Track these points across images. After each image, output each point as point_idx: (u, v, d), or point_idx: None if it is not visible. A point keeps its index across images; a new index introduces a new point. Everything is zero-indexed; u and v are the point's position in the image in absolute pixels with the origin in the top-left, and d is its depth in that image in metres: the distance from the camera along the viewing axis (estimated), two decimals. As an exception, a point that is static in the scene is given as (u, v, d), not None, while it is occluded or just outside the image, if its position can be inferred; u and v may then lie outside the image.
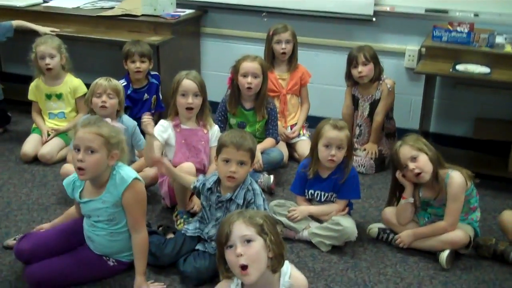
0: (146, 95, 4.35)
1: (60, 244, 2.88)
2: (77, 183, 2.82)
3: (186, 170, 3.26)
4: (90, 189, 2.77)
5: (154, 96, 4.40)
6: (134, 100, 4.27)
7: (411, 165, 3.05)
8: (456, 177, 3.05)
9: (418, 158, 3.05)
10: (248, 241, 2.19)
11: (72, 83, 4.32)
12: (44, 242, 2.88)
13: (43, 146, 4.18)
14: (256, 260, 2.19)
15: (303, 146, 4.15)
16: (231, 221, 2.22)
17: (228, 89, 4.00)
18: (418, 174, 3.05)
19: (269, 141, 3.95)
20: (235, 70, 3.86)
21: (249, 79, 3.81)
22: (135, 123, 3.70)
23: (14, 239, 3.08)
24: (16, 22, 4.70)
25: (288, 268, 2.34)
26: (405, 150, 3.07)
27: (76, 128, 2.68)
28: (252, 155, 2.93)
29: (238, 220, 2.22)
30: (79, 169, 2.64)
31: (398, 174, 3.16)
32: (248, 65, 3.81)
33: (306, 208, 3.32)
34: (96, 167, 2.65)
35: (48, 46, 4.20)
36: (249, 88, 3.82)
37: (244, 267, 2.17)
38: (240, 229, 2.20)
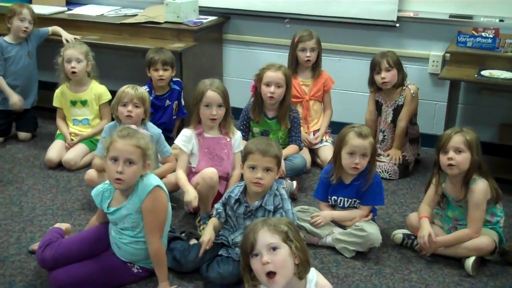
0: (168, 101, 4.37)
1: (83, 251, 2.89)
2: (106, 194, 2.83)
3: (209, 175, 3.26)
4: (118, 198, 2.79)
5: (176, 102, 4.41)
6: (156, 106, 4.29)
7: (451, 154, 3.00)
8: (480, 184, 3.02)
9: (461, 153, 3.00)
10: (274, 248, 2.18)
11: (97, 89, 4.36)
12: (67, 249, 2.89)
13: (67, 152, 4.21)
14: (283, 267, 2.18)
15: (326, 152, 4.14)
16: (256, 230, 2.21)
17: (251, 97, 4.00)
18: (451, 165, 3.01)
19: (292, 148, 3.94)
20: (259, 78, 3.86)
21: (272, 88, 3.80)
22: (159, 130, 3.71)
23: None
24: (52, 29, 4.80)
25: (314, 275, 2.32)
26: (457, 138, 3.00)
27: (112, 138, 2.70)
28: (278, 162, 2.93)
29: (263, 228, 2.21)
30: (118, 179, 2.67)
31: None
32: (272, 75, 3.80)
33: (329, 213, 3.31)
34: (133, 177, 2.70)
35: (76, 50, 4.26)
36: (271, 97, 3.82)
37: (271, 275, 2.16)
38: (265, 237, 2.19)
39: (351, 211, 3.28)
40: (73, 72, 4.25)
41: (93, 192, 2.90)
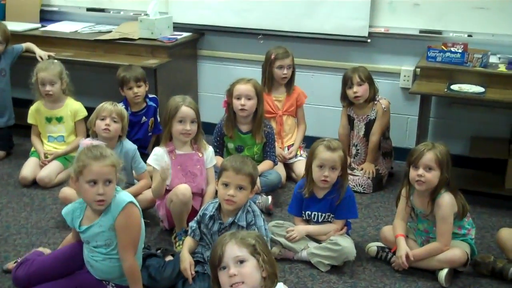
0: (144, 118, 4.38)
1: (57, 269, 2.87)
2: (76, 213, 2.82)
3: (182, 191, 3.27)
4: (90, 215, 2.78)
5: (152, 118, 4.42)
6: (132, 122, 4.29)
7: (421, 171, 3.04)
8: (445, 198, 3.06)
9: (431, 171, 3.04)
10: (241, 261, 2.21)
11: (73, 106, 4.34)
12: (40, 268, 2.88)
13: (42, 169, 4.18)
14: (249, 279, 2.20)
15: (301, 166, 4.14)
16: (223, 243, 2.24)
17: (225, 113, 4.04)
18: (420, 182, 3.05)
19: (267, 164, 3.97)
20: (230, 93, 3.91)
21: (243, 101, 3.85)
22: (135, 146, 3.72)
23: (15, 262, 3.08)
24: (26, 45, 4.78)
25: None
26: (429, 156, 3.03)
27: (84, 161, 2.66)
28: (252, 181, 2.94)
29: (231, 241, 2.24)
30: (100, 201, 2.67)
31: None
32: (242, 88, 3.86)
33: (304, 228, 3.33)
34: (112, 195, 2.71)
35: (50, 72, 4.23)
36: (242, 109, 3.86)
37: (236, 286, 2.18)
38: (233, 250, 2.22)
39: (326, 226, 3.31)
40: (48, 95, 4.25)
41: (64, 211, 2.89)
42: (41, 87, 4.24)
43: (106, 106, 3.62)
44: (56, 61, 4.44)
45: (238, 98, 3.87)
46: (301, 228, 3.32)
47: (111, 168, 2.68)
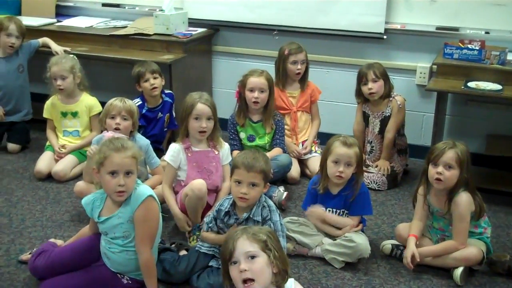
0: (160, 113, 4.39)
1: (75, 261, 2.90)
2: (96, 203, 2.84)
3: (197, 186, 3.28)
4: (110, 206, 2.79)
5: (168, 114, 4.43)
6: (148, 118, 4.31)
7: (440, 169, 3.02)
8: (463, 197, 3.04)
9: (451, 170, 3.01)
10: (252, 257, 2.21)
11: (88, 101, 4.36)
12: (58, 259, 2.91)
13: (57, 163, 4.20)
14: (260, 275, 2.21)
15: (315, 162, 4.15)
16: (235, 238, 2.24)
17: (236, 103, 4.06)
18: (439, 180, 3.03)
19: (276, 151, 4.02)
20: (242, 84, 3.96)
21: (256, 93, 3.89)
22: (147, 141, 3.73)
23: (30, 253, 3.11)
24: (43, 40, 4.81)
25: (292, 284, 2.35)
26: (450, 154, 3.00)
27: (106, 153, 2.69)
28: (265, 177, 2.93)
29: (242, 236, 2.24)
30: (120, 192, 2.69)
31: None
32: (255, 80, 3.90)
33: (322, 213, 3.29)
34: (133, 186, 2.73)
35: (60, 67, 4.24)
36: (255, 102, 3.90)
37: (247, 281, 2.18)
38: (244, 245, 2.22)
39: (343, 218, 3.29)
40: (60, 89, 4.27)
41: (84, 201, 2.90)
42: (53, 81, 4.26)
43: (116, 104, 3.63)
44: (70, 55, 4.45)
45: (251, 91, 3.91)
46: (320, 212, 3.28)
47: (132, 159, 2.70)
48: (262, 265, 2.21)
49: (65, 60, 4.30)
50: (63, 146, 4.28)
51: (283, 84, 4.31)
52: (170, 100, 4.43)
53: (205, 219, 3.14)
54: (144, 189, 2.77)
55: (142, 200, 2.72)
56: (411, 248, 3.10)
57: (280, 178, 4.00)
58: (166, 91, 4.44)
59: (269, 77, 3.97)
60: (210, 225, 3.05)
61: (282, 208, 3.79)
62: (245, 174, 2.87)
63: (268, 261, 2.23)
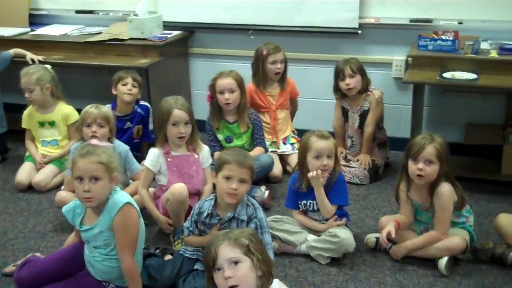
0: (128, 123, 4.33)
1: (59, 270, 2.87)
2: (77, 210, 2.82)
3: (178, 190, 3.27)
4: (91, 216, 2.77)
5: (139, 126, 4.38)
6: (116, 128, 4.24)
7: (421, 165, 3.02)
8: (445, 187, 3.06)
9: (431, 165, 3.02)
10: (235, 262, 2.20)
11: (64, 110, 4.31)
12: (43, 269, 2.89)
13: (37, 174, 4.17)
14: (245, 280, 2.20)
15: (296, 159, 4.17)
16: (217, 244, 2.23)
17: (209, 106, 4.07)
18: (420, 176, 3.05)
19: (258, 150, 4.03)
20: (212, 88, 3.97)
21: (226, 95, 3.91)
22: (127, 147, 3.71)
23: (14, 266, 3.10)
24: (13, 51, 4.73)
25: (277, 285, 2.34)
26: (430, 150, 3.01)
27: (74, 158, 2.69)
28: (252, 174, 2.94)
29: (224, 242, 2.23)
30: (87, 198, 2.66)
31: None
32: (223, 82, 3.92)
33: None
34: (102, 193, 2.69)
35: (27, 79, 4.18)
36: (227, 103, 3.92)
37: None
38: (226, 251, 2.21)
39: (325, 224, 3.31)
40: (29, 101, 4.24)
41: (64, 209, 2.88)
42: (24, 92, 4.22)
43: (91, 111, 3.60)
44: (43, 65, 4.37)
45: (222, 93, 3.92)
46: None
47: (97, 165, 2.66)
48: (246, 270, 2.20)
49: (33, 71, 4.23)
50: (43, 156, 4.24)
51: (263, 84, 4.31)
52: (143, 113, 4.38)
53: (184, 223, 3.13)
54: (121, 196, 2.75)
55: (119, 207, 2.69)
56: (388, 227, 3.13)
57: (262, 178, 4.00)
58: (142, 103, 4.40)
59: (238, 77, 3.96)
60: (191, 228, 3.03)
61: (265, 207, 3.79)
62: (237, 169, 2.87)
63: (252, 265, 2.22)
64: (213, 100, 4.00)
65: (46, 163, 4.22)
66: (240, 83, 3.95)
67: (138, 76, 4.27)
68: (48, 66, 4.38)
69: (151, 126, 4.44)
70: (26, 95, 4.20)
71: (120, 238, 2.72)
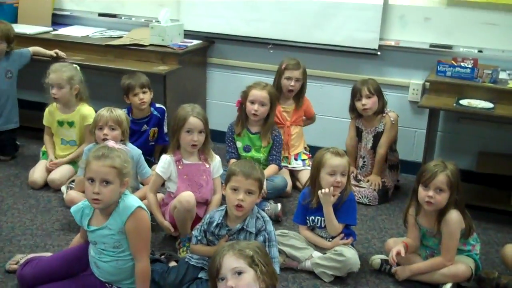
0: (145, 126, 4.36)
1: (63, 269, 2.89)
2: (86, 211, 2.83)
3: (185, 198, 3.28)
4: (99, 217, 2.79)
5: (154, 128, 4.41)
6: (132, 130, 4.23)
7: (431, 193, 3.02)
8: (453, 214, 3.05)
9: (442, 193, 3.02)
10: (239, 273, 2.20)
11: (83, 111, 4.26)
12: (47, 268, 2.90)
13: (54, 171, 4.16)
14: None
15: (307, 175, 4.15)
16: (222, 254, 2.24)
17: (237, 111, 4.10)
18: (429, 203, 3.04)
19: (272, 168, 4.01)
20: (245, 95, 3.99)
21: (256, 106, 3.92)
22: (139, 151, 3.72)
23: (16, 264, 3.11)
24: (33, 49, 4.78)
25: None
26: (441, 178, 3.00)
27: (88, 159, 2.71)
28: (260, 185, 2.94)
29: (228, 252, 2.24)
30: (95, 199, 2.68)
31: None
32: (257, 93, 3.92)
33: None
34: (111, 197, 2.71)
35: (59, 75, 4.16)
36: (254, 114, 3.93)
37: None
38: (230, 261, 2.22)
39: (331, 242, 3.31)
40: (54, 98, 4.22)
41: (73, 209, 2.90)
42: (50, 89, 4.20)
43: (103, 114, 3.61)
44: (71, 65, 4.37)
45: (252, 103, 3.94)
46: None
47: (110, 169, 2.68)
48: (248, 281, 2.21)
49: (65, 69, 4.23)
50: (53, 163, 4.22)
51: (279, 98, 4.32)
52: (159, 115, 4.41)
53: (193, 231, 3.13)
54: (132, 201, 2.76)
55: (131, 212, 2.71)
56: (397, 247, 3.13)
57: (273, 198, 3.98)
58: (158, 106, 4.42)
59: (272, 91, 3.99)
60: (199, 238, 3.04)
61: (279, 220, 3.80)
62: (243, 181, 2.88)
63: (255, 277, 2.22)
64: (242, 107, 4.02)
65: (57, 166, 4.21)
66: (272, 98, 3.97)
67: (145, 79, 4.27)
68: (76, 67, 4.38)
69: (165, 129, 4.47)
70: (54, 91, 4.17)
71: (134, 241, 2.74)
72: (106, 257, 2.80)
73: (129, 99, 4.27)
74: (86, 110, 4.29)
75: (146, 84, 4.26)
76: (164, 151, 4.02)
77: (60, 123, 4.30)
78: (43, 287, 2.82)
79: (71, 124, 4.29)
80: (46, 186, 4.17)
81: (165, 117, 4.46)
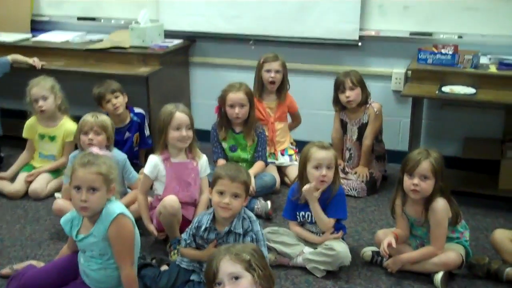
0: (127, 133, 4.35)
1: (53, 280, 2.88)
2: (75, 222, 2.82)
3: (169, 203, 3.28)
4: (86, 224, 2.78)
5: (137, 134, 4.40)
6: (116, 141, 4.21)
7: (416, 181, 3.03)
8: (440, 203, 3.06)
9: (427, 180, 3.03)
10: (236, 278, 2.19)
11: (68, 127, 4.24)
12: (36, 279, 2.88)
13: (33, 182, 4.15)
14: None
15: (294, 170, 4.15)
16: (219, 259, 2.22)
17: (217, 117, 4.07)
18: (415, 191, 3.06)
19: (259, 165, 4.02)
20: (222, 100, 3.96)
21: (237, 109, 3.92)
22: (125, 156, 3.71)
23: (10, 268, 3.16)
24: (12, 57, 4.72)
25: None
26: (425, 165, 3.02)
27: (73, 167, 2.70)
28: (247, 189, 2.93)
29: (225, 257, 2.22)
30: (82, 207, 2.67)
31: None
32: (234, 96, 3.92)
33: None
34: (98, 204, 2.70)
35: (41, 88, 4.16)
36: (237, 117, 3.94)
37: None
38: (227, 266, 2.20)
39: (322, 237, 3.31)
40: (42, 111, 4.19)
41: (62, 220, 2.89)
42: (34, 103, 4.17)
43: (88, 119, 3.60)
44: (48, 77, 4.34)
45: (232, 106, 3.92)
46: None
47: (96, 176, 2.67)
48: (246, 286, 2.19)
49: (45, 81, 4.23)
50: (31, 175, 4.20)
51: (260, 93, 4.32)
52: (139, 120, 4.40)
53: (183, 235, 3.12)
54: (114, 207, 2.75)
55: (112, 218, 2.69)
56: (388, 238, 3.14)
57: (262, 196, 3.98)
58: (136, 111, 4.42)
59: (248, 90, 3.98)
60: (188, 241, 3.04)
61: (269, 217, 3.81)
62: (229, 184, 2.87)
63: (253, 281, 2.21)
64: (222, 111, 4.00)
65: (35, 177, 4.19)
66: (250, 97, 3.96)
67: (115, 85, 4.27)
68: (52, 78, 4.34)
69: (147, 132, 4.47)
70: (40, 103, 4.14)
71: (116, 248, 2.73)
72: (94, 265, 2.80)
73: (103, 108, 4.25)
74: (70, 126, 4.24)
75: (116, 89, 4.25)
76: (148, 153, 4.00)
77: (41, 136, 4.28)
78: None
79: (52, 138, 4.27)
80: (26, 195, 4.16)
81: (145, 121, 4.45)
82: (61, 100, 4.26)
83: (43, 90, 4.17)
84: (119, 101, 4.25)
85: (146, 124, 4.46)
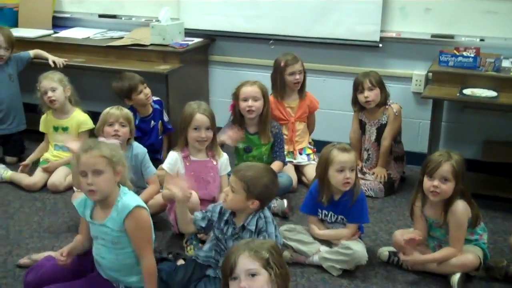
0: (152, 122, 4.39)
1: (69, 273, 2.88)
2: (88, 202, 2.83)
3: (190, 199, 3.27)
4: (99, 212, 2.79)
5: (160, 121, 4.45)
6: (143, 129, 4.29)
7: (436, 183, 3.02)
8: (460, 205, 3.04)
9: (447, 182, 3.01)
10: (253, 275, 2.19)
11: (79, 117, 4.32)
12: (51, 272, 2.89)
13: (52, 175, 4.20)
14: None
15: (312, 170, 4.16)
16: (237, 253, 2.22)
17: (231, 115, 4.06)
18: (435, 193, 3.04)
19: (276, 165, 3.98)
20: (236, 96, 3.94)
21: (250, 102, 3.87)
22: (145, 150, 3.73)
23: (28, 258, 3.20)
24: (34, 52, 4.80)
25: None
26: (446, 167, 3.00)
27: (77, 154, 2.71)
28: (247, 188, 2.85)
29: (244, 253, 2.21)
30: (90, 191, 2.68)
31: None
32: (248, 89, 3.89)
33: (317, 232, 3.32)
34: (106, 186, 2.70)
35: (49, 80, 4.24)
36: (250, 110, 3.88)
37: None
38: (245, 262, 2.19)
39: (338, 231, 3.30)
40: (52, 101, 4.25)
41: (76, 203, 2.91)
42: (44, 96, 4.24)
43: (113, 112, 3.63)
44: (56, 71, 4.42)
45: (245, 100, 3.89)
46: (316, 233, 3.31)
47: (99, 158, 2.67)
48: (262, 283, 2.19)
49: (53, 74, 4.30)
50: (46, 167, 4.26)
51: (282, 95, 4.31)
52: (159, 107, 4.45)
53: (198, 213, 3.07)
54: (130, 200, 2.75)
55: (129, 211, 2.69)
56: (407, 233, 3.14)
57: (279, 195, 3.96)
58: (154, 98, 4.46)
59: (262, 86, 3.95)
60: (203, 225, 3.03)
61: (286, 216, 3.80)
62: (231, 178, 2.90)
63: (269, 279, 2.20)
64: (235, 109, 3.99)
65: (51, 169, 4.25)
66: (264, 93, 3.93)
67: (138, 76, 4.29)
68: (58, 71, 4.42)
69: (166, 118, 4.51)
70: (49, 94, 4.21)
71: (136, 239, 2.74)
72: (107, 252, 2.80)
73: (131, 100, 4.28)
74: (82, 117, 4.34)
75: (143, 80, 4.30)
76: (171, 144, 4.01)
77: (55, 128, 4.34)
78: (50, 286, 2.81)
79: (65, 129, 4.32)
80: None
81: (163, 107, 4.50)
82: (70, 92, 4.33)
83: (52, 82, 4.24)
84: (148, 90, 4.30)
85: (164, 110, 4.51)
